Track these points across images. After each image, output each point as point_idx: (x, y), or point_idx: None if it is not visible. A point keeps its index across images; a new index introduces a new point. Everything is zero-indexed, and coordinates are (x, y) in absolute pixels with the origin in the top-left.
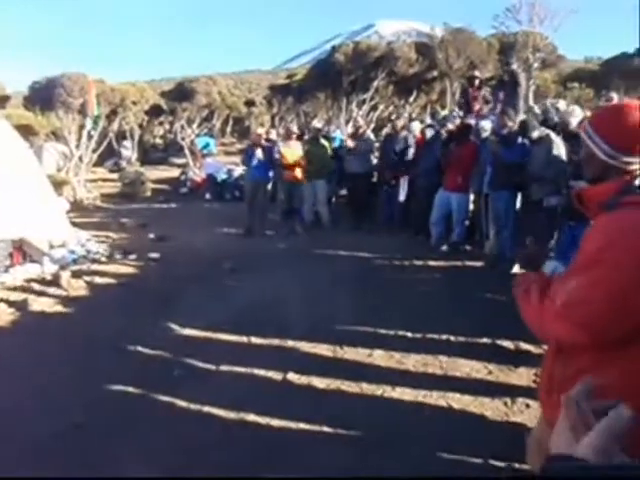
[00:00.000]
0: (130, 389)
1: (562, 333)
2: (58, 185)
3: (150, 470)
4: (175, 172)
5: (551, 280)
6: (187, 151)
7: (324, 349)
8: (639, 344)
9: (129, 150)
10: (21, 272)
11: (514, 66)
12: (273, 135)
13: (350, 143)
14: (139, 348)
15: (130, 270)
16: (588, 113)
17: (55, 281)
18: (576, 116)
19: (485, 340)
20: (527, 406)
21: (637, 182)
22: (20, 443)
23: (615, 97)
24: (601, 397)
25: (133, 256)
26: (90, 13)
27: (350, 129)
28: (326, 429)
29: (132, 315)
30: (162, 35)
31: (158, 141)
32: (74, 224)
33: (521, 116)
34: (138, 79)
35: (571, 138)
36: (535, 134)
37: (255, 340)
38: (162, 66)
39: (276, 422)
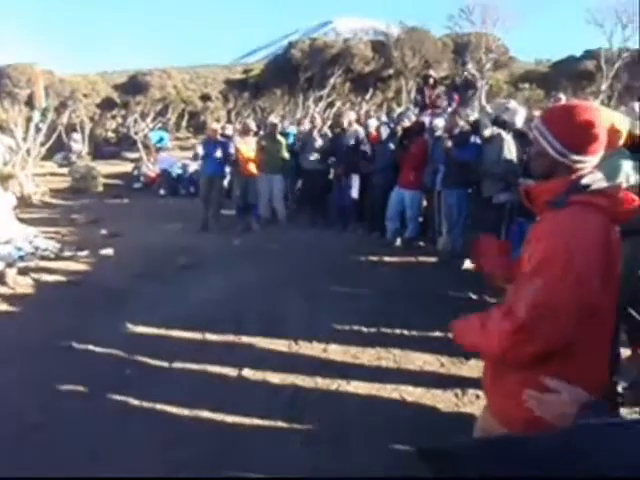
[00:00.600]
0: (81, 389)
1: (523, 344)
2: (4, 179)
3: (105, 471)
4: (128, 167)
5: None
6: (140, 145)
7: (279, 345)
8: (586, 336)
9: (79, 144)
10: None
11: (469, 66)
12: (229, 130)
13: (308, 138)
14: (90, 347)
15: (81, 267)
16: (537, 113)
17: (0, 279)
18: (521, 115)
19: (438, 333)
20: (477, 397)
21: (585, 181)
22: None
23: (563, 98)
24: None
25: (84, 253)
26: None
27: (307, 125)
28: (281, 424)
29: (82, 313)
30: (115, 26)
31: (110, 135)
32: (21, 220)
33: (475, 115)
34: (89, 71)
35: (519, 137)
36: (487, 133)
37: (210, 337)
38: (115, 58)
39: (230, 418)
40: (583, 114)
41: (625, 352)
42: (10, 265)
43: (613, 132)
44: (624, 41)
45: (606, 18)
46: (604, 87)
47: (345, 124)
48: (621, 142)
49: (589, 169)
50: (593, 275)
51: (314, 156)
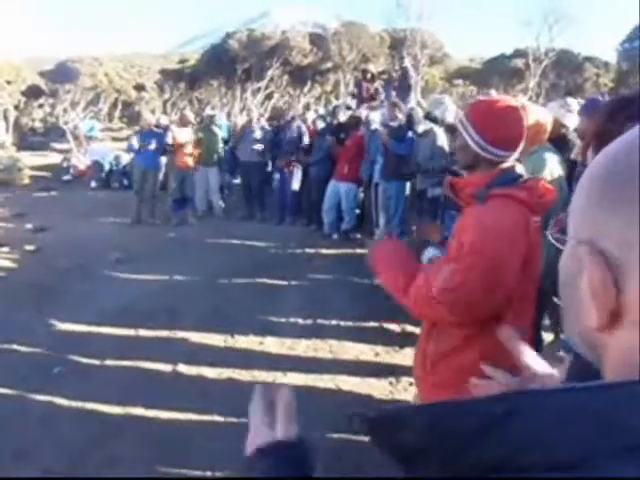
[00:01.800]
0: (4, 390)
1: (435, 314)
2: None
3: (31, 471)
4: (57, 158)
5: (419, 267)
6: (70, 136)
7: (215, 339)
8: (502, 318)
9: (2, 133)
10: None
11: (406, 61)
12: (164, 121)
13: (247, 131)
14: (15, 346)
15: (4, 263)
16: None
17: None
18: (450, 110)
19: (372, 324)
20: (410, 384)
21: (511, 172)
22: None
23: (494, 94)
24: (474, 371)
25: (6, 248)
26: None
27: (244, 117)
28: (217, 418)
29: (6, 311)
30: (41, 10)
31: (37, 125)
32: None
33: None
34: (14, 57)
35: (451, 132)
36: (420, 127)
37: (143, 332)
38: (42, 45)
39: (165, 414)
40: (503, 109)
41: (547, 337)
42: None
43: (538, 127)
44: (550, 41)
45: (534, 18)
46: (532, 85)
47: (289, 116)
48: (545, 137)
49: (510, 163)
50: (507, 264)
51: (256, 147)
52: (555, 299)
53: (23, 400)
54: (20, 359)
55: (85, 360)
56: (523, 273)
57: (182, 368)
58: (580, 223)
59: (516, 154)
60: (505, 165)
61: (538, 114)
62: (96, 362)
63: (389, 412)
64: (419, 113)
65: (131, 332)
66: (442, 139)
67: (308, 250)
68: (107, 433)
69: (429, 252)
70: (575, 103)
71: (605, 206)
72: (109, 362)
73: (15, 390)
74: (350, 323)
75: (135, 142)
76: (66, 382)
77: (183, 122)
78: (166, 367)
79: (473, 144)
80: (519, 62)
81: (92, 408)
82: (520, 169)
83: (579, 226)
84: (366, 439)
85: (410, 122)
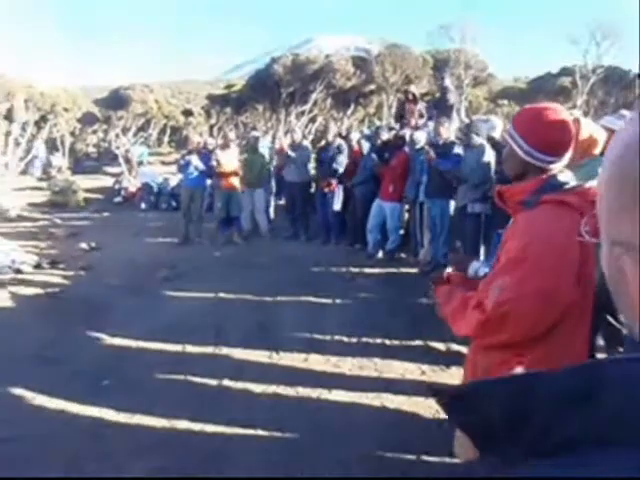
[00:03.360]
0: (57, 401)
1: (495, 333)
2: None
3: None
4: (108, 181)
5: (473, 283)
6: (122, 160)
7: (260, 355)
8: (559, 329)
9: (59, 158)
10: None
11: (447, 81)
12: (211, 142)
13: (288, 151)
14: (67, 359)
15: (59, 280)
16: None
17: None
18: (497, 128)
19: (418, 342)
20: None
21: (560, 178)
22: None
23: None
24: None
25: (61, 266)
26: (16, 11)
27: (288, 139)
28: (261, 433)
29: (60, 326)
30: (97, 40)
31: (91, 150)
32: None
33: (453, 128)
34: (70, 85)
35: (497, 149)
36: (476, 140)
37: (190, 348)
38: (96, 73)
39: (210, 428)
40: (550, 115)
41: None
42: None
43: (591, 140)
44: (598, 58)
45: (581, 35)
46: (580, 102)
47: (330, 137)
48: (598, 151)
49: (559, 169)
50: (562, 273)
51: (305, 167)
52: (609, 317)
53: (72, 412)
54: (70, 371)
55: (133, 374)
56: (577, 284)
57: (227, 383)
58: (614, 225)
59: (565, 160)
60: (554, 172)
61: (591, 127)
62: (144, 376)
63: (468, 387)
64: (481, 125)
65: (178, 348)
66: (489, 155)
67: (352, 269)
68: (153, 445)
69: (475, 266)
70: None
71: None
72: (156, 376)
73: (65, 401)
74: (395, 341)
75: (183, 164)
76: (114, 395)
77: (225, 142)
78: (212, 382)
79: (520, 152)
80: (566, 80)
81: (139, 421)
82: (569, 176)
83: (613, 228)
84: (410, 456)
85: (469, 131)
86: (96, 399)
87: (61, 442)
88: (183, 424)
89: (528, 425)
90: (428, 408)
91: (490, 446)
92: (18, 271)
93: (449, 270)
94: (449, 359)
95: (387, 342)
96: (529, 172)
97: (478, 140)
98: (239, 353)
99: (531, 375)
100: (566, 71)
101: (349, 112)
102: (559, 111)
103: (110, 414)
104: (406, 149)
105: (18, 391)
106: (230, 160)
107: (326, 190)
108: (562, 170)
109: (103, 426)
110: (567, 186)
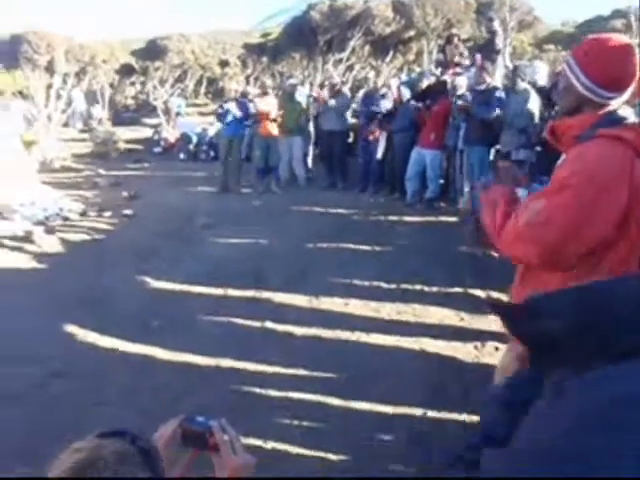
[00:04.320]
0: (107, 339)
1: (519, 251)
2: (27, 145)
3: (131, 413)
4: (147, 132)
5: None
6: (160, 110)
7: (300, 300)
8: (601, 267)
9: (99, 110)
10: None
11: (495, 24)
12: (250, 90)
13: (326, 99)
14: (115, 301)
15: (104, 227)
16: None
17: (27, 237)
18: (542, 73)
19: (457, 289)
20: (496, 349)
21: (620, 113)
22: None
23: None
24: None
25: (107, 213)
26: None
27: (325, 88)
28: (302, 372)
29: (107, 270)
30: None
31: (129, 101)
32: (45, 183)
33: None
34: (108, 37)
35: (541, 95)
36: (521, 85)
37: (231, 292)
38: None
39: (253, 366)
40: (614, 47)
41: None
42: (37, 225)
43: None
44: None
45: None
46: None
47: (378, 84)
48: None
49: (618, 105)
50: (600, 209)
51: (344, 116)
52: None
53: (123, 350)
54: (120, 313)
55: (179, 315)
56: (627, 221)
57: (269, 325)
58: None
59: (625, 96)
60: (612, 107)
61: None
62: (189, 318)
63: (530, 299)
64: (524, 70)
65: (220, 292)
66: (535, 101)
67: (391, 217)
68: (199, 382)
69: (520, 193)
70: None
71: None
72: (201, 318)
73: (117, 340)
74: (434, 288)
75: (221, 112)
76: (162, 334)
77: (263, 90)
78: (254, 324)
79: (579, 85)
80: (618, 23)
81: (186, 359)
82: (629, 112)
83: None
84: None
85: (513, 75)
86: (145, 338)
87: (114, 376)
88: (227, 363)
89: (592, 333)
90: (467, 353)
91: (550, 356)
92: (66, 218)
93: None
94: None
95: (426, 289)
96: (585, 107)
97: (522, 85)
98: (280, 297)
99: (593, 285)
100: (619, 13)
101: (387, 59)
102: (625, 43)
103: (159, 352)
104: (449, 95)
105: (71, 329)
106: (268, 107)
107: (370, 138)
108: (621, 106)
109: (153, 363)
110: (626, 122)
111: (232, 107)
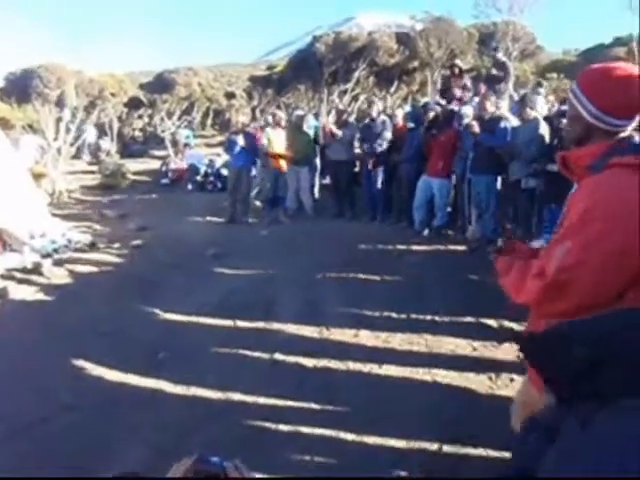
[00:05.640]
0: (114, 372)
1: (554, 300)
2: (36, 177)
3: (140, 449)
4: (155, 164)
5: (534, 253)
6: (168, 142)
7: (310, 331)
8: (625, 298)
9: (108, 142)
10: (1, 261)
11: (499, 54)
12: (251, 128)
13: (334, 130)
14: (123, 332)
15: (113, 259)
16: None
17: (37, 269)
18: (540, 102)
19: (469, 319)
20: (511, 380)
21: (632, 140)
22: (9, 424)
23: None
24: None
25: (116, 245)
26: (67, 3)
27: (332, 117)
28: (314, 406)
29: (116, 301)
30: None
31: (137, 134)
32: (54, 215)
33: (504, 104)
34: (117, 71)
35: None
36: (530, 113)
37: (240, 323)
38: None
39: (263, 400)
40: (619, 74)
41: None
42: (45, 257)
43: None
44: None
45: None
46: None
47: (374, 113)
48: None
49: (628, 132)
50: (627, 241)
51: (351, 145)
52: None
53: (132, 383)
54: (129, 345)
55: (187, 347)
56: None
57: (279, 357)
58: None
59: (635, 122)
60: (623, 135)
61: None
62: (198, 349)
63: (550, 329)
64: (533, 98)
65: (229, 323)
66: (544, 129)
67: (399, 246)
68: (208, 417)
69: (537, 244)
70: None
71: None
72: (209, 350)
73: (124, 373)
74: (445, 318)
75: (229, 144)
76: (171, 367)
77: (276, 121)
78: (263, 356)
79: (586, 114)
80: (620, 51)
81: (194, 393)
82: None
83: None
84: (466, 432)
85: (523, 103)
86: (153, 371)
87: (123, 411)
88: (236, 397)
89: (616, 363)
90: (480, 384)
91: (567, 387)
92: (75, 250)
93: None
94: (501, 336)
95: (437, 318)
96: (594, 136)
97: (532, 114)
98: (290, 328)
99: (617, 314)
100: (620, 41)
101: (392, 90)
102: (629, 69)
103: (167, 386)
104: (455, 124)
105: (79, 362)
106: (279, 139)
107: (370, 167)
108: (632, 134)
109: (162, 397)
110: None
111: (240, 139)
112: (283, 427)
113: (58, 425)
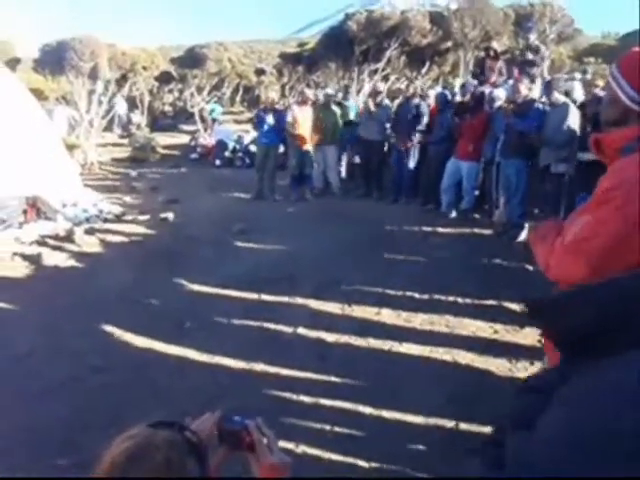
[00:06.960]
0: (142, 338)
1: (567, 267)
2: (69, 149)
3: (164, 412)
4: (184, 139)
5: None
6: (197, 117)
7: (333, 307)
8: None
9: (138, 116)
10: (35, 228)
11: (532, 38)
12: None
13: (372, 108)
14: (151, 301)
15: (142, 230)
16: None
17: (69, 237)
18: (578, 89)
19: (491, 302)
20: (531, 364)
21: None
22: (42, 382)
23: None
24: None
25: (145, 216)
26: None
27: (369, 95)
28: (334, 378)
29: (144, 271)
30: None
31: (167, 108)
32: (86, 186)
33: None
34: (148, 44)
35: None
36: (559, 98)
37: (265, 297)
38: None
39: (285, 371)
40: None
41: None
42: (77, 225)
43: None
44: None
45: None
46: None
47: (409, 93)
48: None
49: None
50: None
51: (384, 126)
52: None
53: (159, 349)
54: (154, 312)
55: (212, 318)
56: None
57: (302, 331)
58: None
59: None
60: None
61: None
62: (222, 320)
63: (564, 294)
64: (559, 82)
65: (254, 296)
66: (575, 114)
67: (425, 228)
68: (231, 385)
69: None
70: None
71: None
72: (234, 321)
73: (152, 340)
74: (468, 300)
75: (258, 121)
76: (196, 336)
77: (303, 99)
78: (286, 329)
79: (624, 97)
80: None
81: (218, 361)
82: None
83: None
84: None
85: (548, 89)
86: (179, 339)
87: (150, 375)
88: (259, 367)
89: (630, 327)
90: (500, 367)
91: (582, 351)
92: (105, 220)
93: (524, 235)
94: (523, 320)
95: (459, 300)
96: (630, 119)
97: (561, 99)
98: (313, 303)
99: (627, 278)
100: None
101: (423, 71)
102: None
103: (192, 354)
104: (486, 107)
105: (109, 327)
106: (306, 117)
107: (402, 148)
108: None
109: (187, 364)
110: None
111: (269, 117)
112: (304, 398)
113: (88, 385)
